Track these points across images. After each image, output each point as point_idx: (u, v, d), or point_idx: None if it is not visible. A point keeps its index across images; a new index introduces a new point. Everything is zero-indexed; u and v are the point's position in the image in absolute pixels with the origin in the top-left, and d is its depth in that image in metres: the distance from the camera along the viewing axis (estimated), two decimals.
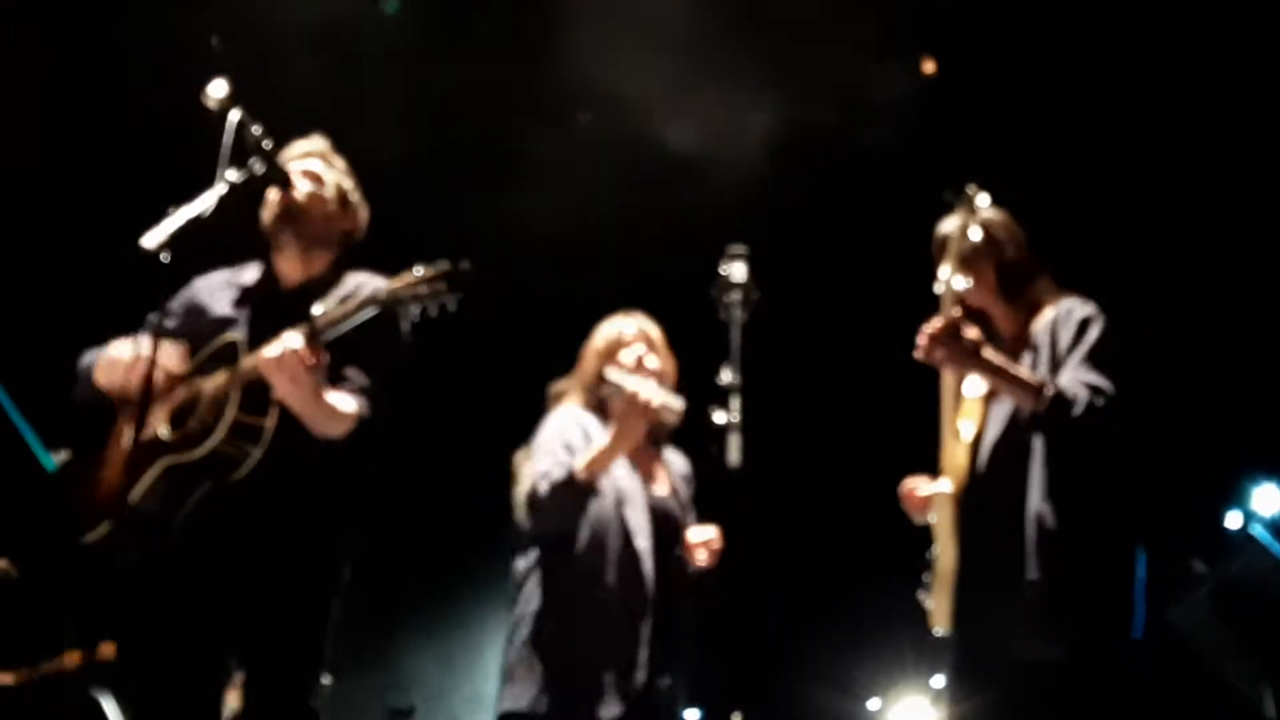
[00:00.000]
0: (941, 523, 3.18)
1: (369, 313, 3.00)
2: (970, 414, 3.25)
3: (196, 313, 3.41)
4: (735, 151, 6.96)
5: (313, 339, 3.00)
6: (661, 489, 3.78)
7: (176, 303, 3.44)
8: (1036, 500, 3.10)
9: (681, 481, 3.83)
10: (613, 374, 3.61)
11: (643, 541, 3.59)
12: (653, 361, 3.78)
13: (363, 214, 3.56)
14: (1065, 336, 3.20)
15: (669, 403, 3.53)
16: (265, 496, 3.09)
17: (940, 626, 3.24)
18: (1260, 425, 6.02)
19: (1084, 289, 3.39)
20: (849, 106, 7.00)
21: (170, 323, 3.35)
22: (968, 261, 3.32)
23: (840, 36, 6.71)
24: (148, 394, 2.77)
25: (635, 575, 3.55)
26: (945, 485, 3.20)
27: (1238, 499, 6.22)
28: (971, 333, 3.09)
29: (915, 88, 6.87)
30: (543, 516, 3.59)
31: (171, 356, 3.24)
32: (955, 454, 3.20)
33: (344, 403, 3.15)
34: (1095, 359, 3.13)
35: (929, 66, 6.81)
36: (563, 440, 3.65)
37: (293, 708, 3.12)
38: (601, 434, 3.65)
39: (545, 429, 3.73)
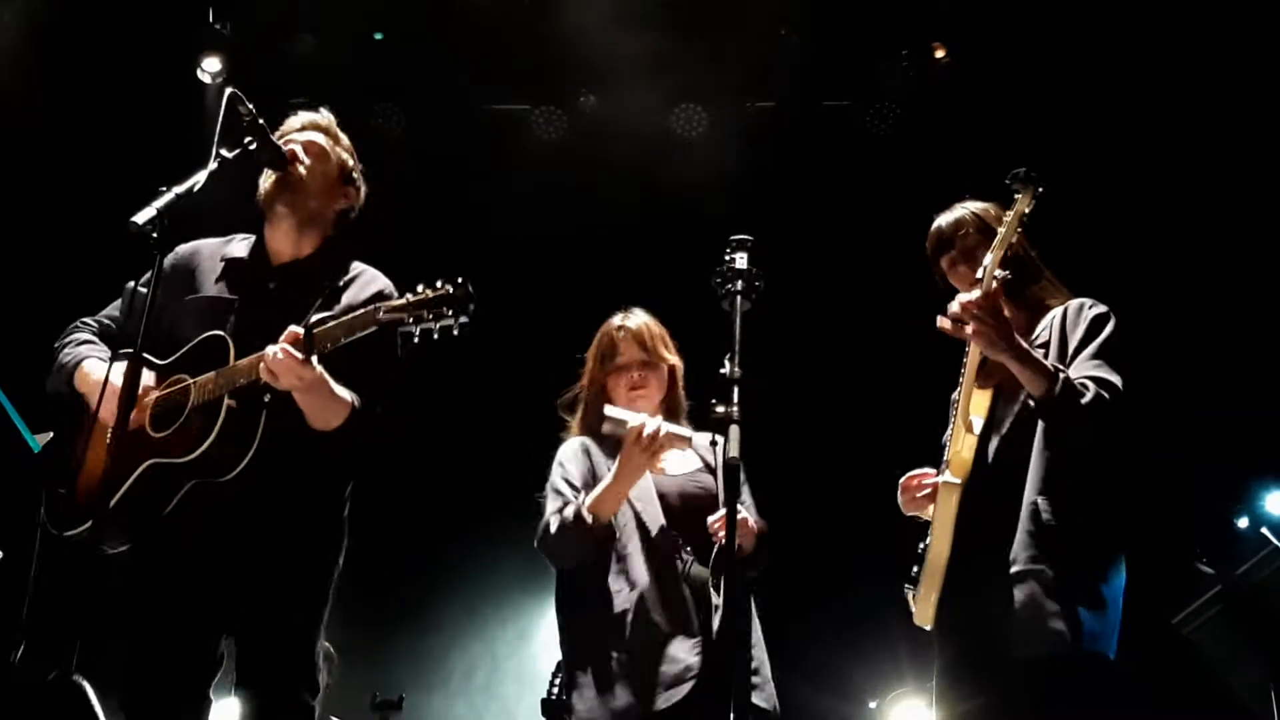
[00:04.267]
0: (942, 515, 3.13)
1: (369, 331, 2.95)
2: (978, 408, 3.19)
3: (183, 284, 3.33)
4: (738, 138, 6.92)
5: (309, 352, 2.94)
6: (682, 467, 3.74)
7: (161, 273, 3.37)
8: (1031, 492, 3.08)
9: (706, 451, 3.76)
10: (612, 411, 3.61)
11: (657, 533, 3.55)
12: (649, 393, 3.74)
13: (362, 193, 3.50)
14: (1077, 333, 3.19)
15: (675, 431, 3.52)
16: (252, 493, 3.04)
17: (925, 622, 3.20)
18: (1272, 429, 5.98)
19: (1092, 290, 3.35)
20: (856, 92, 6.97)
21: (157, 294, 3.28)
22: (971, 252, 3.29)
23: (847, 22, 6.68)
24: (125, 421, 2.70)
25: (663, 570, 3.50)
26: (950, 477, 3.14)
27: (1249, 502, 6.18)
28: (1006, 312, 3.07)
29: (923, 74, 6.83)
30: (554, 555, 3.62)
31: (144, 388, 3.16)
32: (964, 447, 3.15)
33: (341, 389, 3.10)
34: (1106, 356, 3.11)
35: (939, 53, 6.76)
36: (564, 475, 3.67)
37: (289, 702, 3.07)
38: (604, 460, 3.65)
39: (556, 468, 3.74)
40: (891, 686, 6.43)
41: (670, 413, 3.78)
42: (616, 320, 3.85)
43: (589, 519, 3.50)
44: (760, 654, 3.56)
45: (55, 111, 6.40)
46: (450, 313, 2.85)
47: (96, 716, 3.45)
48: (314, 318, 3.02)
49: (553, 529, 3.55)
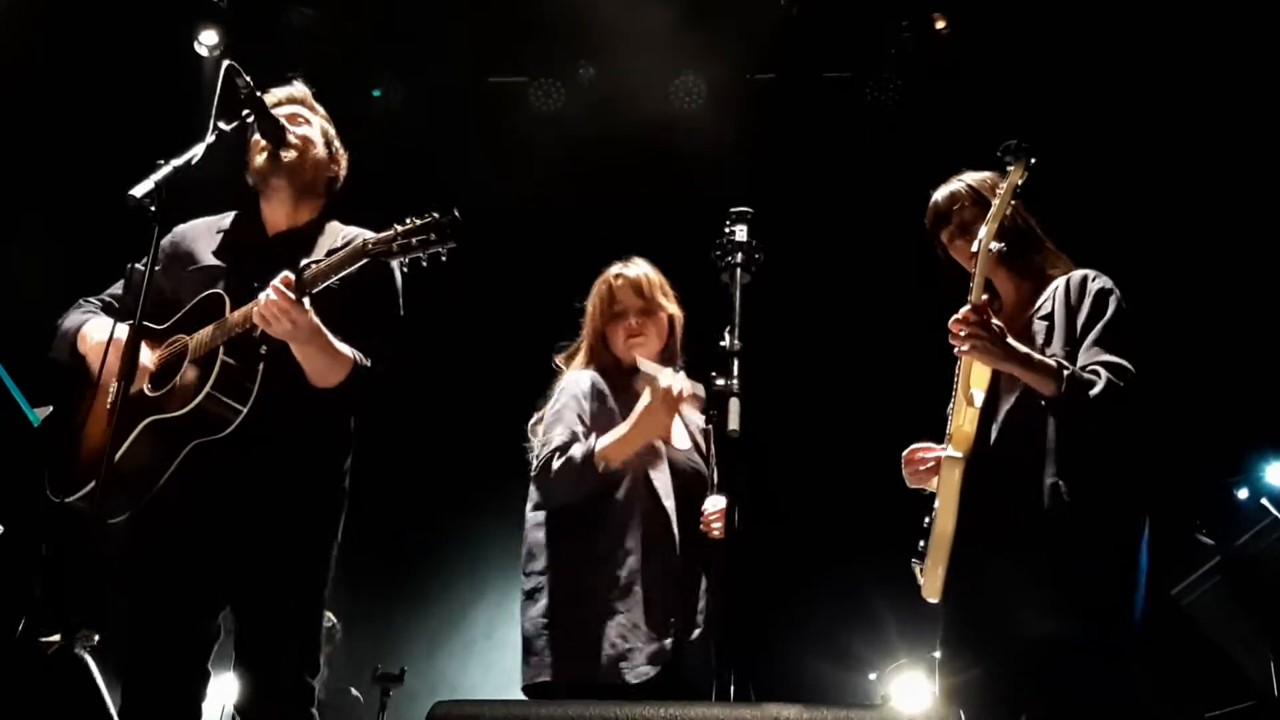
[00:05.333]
0: (946, 488, 3.12)
1: (357, 265, 2.95)
2: (979, 381, 3.19)
3: (182, 260, 3.35)
4: (739, 110, 6.89)
5: (301, 292, 2.94)
6: (682, 443, 3.72)
7: (161, 250, 3.37)
8: (1050, 473, 3.05)
9: (700, 435, 3.76)
10: (645, 365, 3.55)
11: (669, 502, 3.50)
12: (647, 340, 3.69)
13: (344, 161, 3.52)
14: (1082, 311, 3.16)
15: (694, 391, 3.48)
16: (252, 452, 3.04)
17: (932, 596, 3.19)
18: (1273, 400, 5.97)
19: (1093, 259, 3.33)
20: (857, 64, 6.94)
21: (155, 270, 3.28)
22: (968, 226, 3.28)
23: None
24: (130, 377, 2.71)
25: (666, 535, 3.45)
26: (953, 451, 3.14)
27: (1249, 473, 6.18)
28: (997, 321, 3.04)
29: (924, 45, 6.80)
30: (552, 490, 3.47)
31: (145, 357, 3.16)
32: (966, 420, 3.14)
33: (342, 345, 3.11)
34: (1113, 336, 3.09)
35: (940, 24, 6.72)
36: (578, 408, 3.55)
37: (288, 682, 3.07)
38: (616, 406, 3.60)
39: (558, 396, 3.63)
40: (891, 658, 6.45)
41: (667, 361, 3.72)
42: (615, 269, 3.79)
43: (599, 465, 3.41)
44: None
45: (52, 84, 6.38)
46: (436, 239, 2.86)
47: (99, 689, 3.47)
48: (304, 262, 3.02)
49: (556, 464, 3.42)
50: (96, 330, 3.22)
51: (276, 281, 2.95)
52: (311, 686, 3.10)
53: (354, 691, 6.62)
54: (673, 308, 3.78)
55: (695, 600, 3.44)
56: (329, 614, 6.44)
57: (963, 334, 3.02)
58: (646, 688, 3.23)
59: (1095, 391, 2.95)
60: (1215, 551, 4.79)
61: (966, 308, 3.04)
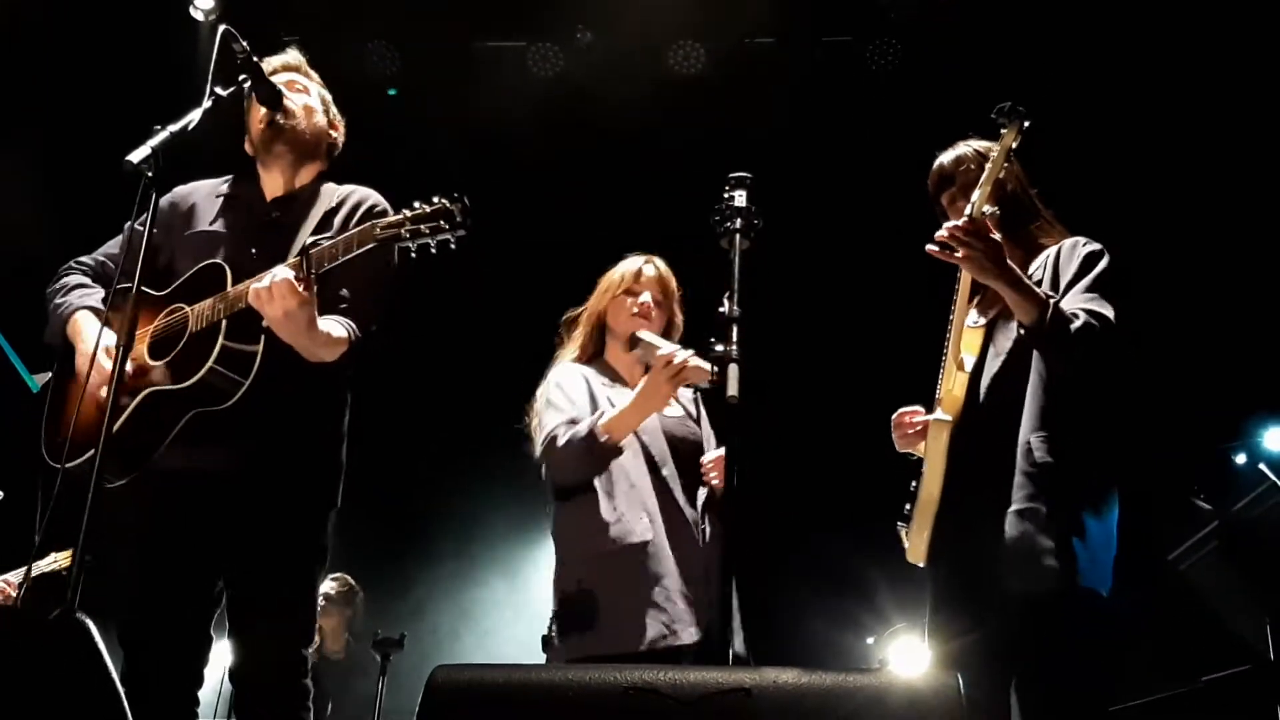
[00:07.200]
0: (933, 452, 3.14)
1: (366, 248, 2.92)
2: (970, 346, 3.20)
3: (180, 223, 3.35)
4: (738, 75, 6.87)
5: (307, 272, 2.93)
6: (673, 411, 3.72)
7: (159, 211, 3.35)
8: (1026, 430, 3.07)
9: (690, 402, 3.80)
10: (645, 335, 3.55)
11: (668, 470, 3.55)
12: (650, 326, 3.69)
13: (342, 126, 3.52)
14: (1070, 268, 3.18)
15: (701, 365, 3.45)
16: (250, 421, 3.04)
17: (917, 559, 3.21)
18: (1272, 366, 5.98)
19: (1094, 219, 3.33)
20: (857, 28, 6.91)
21: (153, 231, 3.27)
22: (970, 189, 3.27)
23: None
24: (128, 347, 2.70)
25: (671, 504, 3.50)
26: (941, 414, 3.15)
27: (1247, 438, 6.20)
28: (996, 236, 3.04)
29: (924, 9, 6.76)
30: (559, 470, 3.53)
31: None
32: (955, 384, 3.15)
33: (336, 329, 3.09)
34: (1099, 289, 3.11)
35: None
36: (565, 394, 3.60)
37: (280, 653, 3.08)
38: (605, 389, 3.62)
39: (553, 386, 3.67)
40: (888, 623, 6.48)
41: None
42: (642, 259, 3.81)
43: (602, 437, 3.44)
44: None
45: (48, 49, 6.35)
46: (447, 227, 2.84)
47: (100, 654, 3.47)
48: (310, 239, 3.00)
49: (560, 441, 3.48)
50: (86, 323, 3.19)
51: (282, 273, 2.91)
52: (304, 656, 3.10)
53: (374, 655, 6.56)
54: (679, 315, 3.80)
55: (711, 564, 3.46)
56: (350, 579, 6.49)
57: (958, 240, 3.00)
58: (684, 648, 3.29)
59: (1075, 326, 2.97)
60: (1213, 516, 4.80)
61: (964, 219, 3.03)
